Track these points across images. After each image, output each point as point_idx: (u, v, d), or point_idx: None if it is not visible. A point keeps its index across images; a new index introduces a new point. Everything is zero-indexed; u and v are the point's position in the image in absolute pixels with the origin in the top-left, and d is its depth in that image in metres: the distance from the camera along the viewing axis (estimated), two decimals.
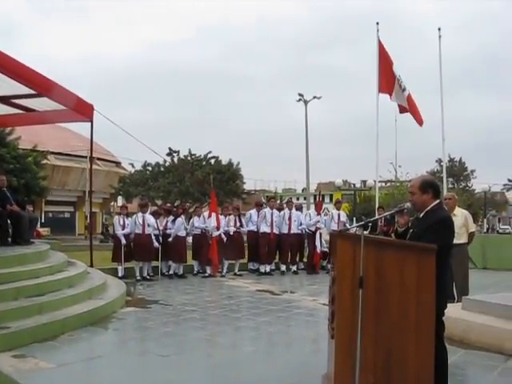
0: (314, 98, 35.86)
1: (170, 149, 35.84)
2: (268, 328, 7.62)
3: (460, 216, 8.59)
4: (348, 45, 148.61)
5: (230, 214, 14.53)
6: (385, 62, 16.14)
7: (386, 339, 3.79)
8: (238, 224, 14.43)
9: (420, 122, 16.25)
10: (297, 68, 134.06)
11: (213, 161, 36.45)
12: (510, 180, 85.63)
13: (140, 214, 13.14)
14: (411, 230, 4.33)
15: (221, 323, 7.88)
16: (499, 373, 5.38)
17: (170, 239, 13.39)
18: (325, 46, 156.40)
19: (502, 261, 16.36)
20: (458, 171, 70.70)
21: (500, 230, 62.45)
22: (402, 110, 16.25)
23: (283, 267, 14.92)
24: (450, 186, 52.90)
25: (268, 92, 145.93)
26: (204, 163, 36.23)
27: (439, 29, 17.79)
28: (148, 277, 12.96)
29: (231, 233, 14.17)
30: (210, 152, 36.54)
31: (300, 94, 35.52)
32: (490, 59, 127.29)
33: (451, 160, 65.89)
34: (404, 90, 15.92)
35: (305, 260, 15.46)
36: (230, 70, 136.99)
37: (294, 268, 15.05)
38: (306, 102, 35.56)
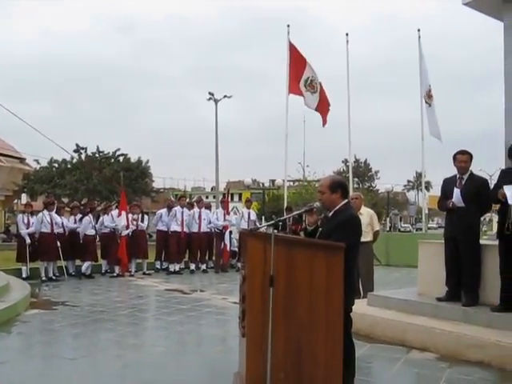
0: (225, 97, 35.92)
1: (77, 145, 34.78)
2: (178, 327, 7.56)
3: (366, 215, 8.88)
4: (260, 46, 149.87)
5: (133, 213, 14.27)
6: (295, 63, 16.42)
7: (296, 336, 3.86)
8: (140, 222, 14.23)
9: (324, 122, 16.76)
10: (208, 67, 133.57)
11: (121, 158, 35.70)
12: (409, 181, 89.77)
13: (47, 213, 12.68)
14: (320, 229, 4.43)
15: (130, 324, 7.74)
16: (402, 363, 5.65)
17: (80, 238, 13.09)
18: (237, 46, 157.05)
19: (403, 258, 17.06)
20: (363, 172, 73.38)
21: (401, 229, 65.17)
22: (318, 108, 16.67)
23: (193, 266, 14.90)
24: (356, 185, 54.70)
25: (179, 90, 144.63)
26: (112, 161, 35.43)
27: (347, 34, 18.37)
28: (54, 277, 12.53)
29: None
30: (118, 149, 35.78)
31: (210, 93, 35.48)
32: (391, 63, 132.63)
33: (357, 161, 68.27)
34: (316, 90, 16.31)
35: (214, 259, 15.50)
36: (141, 67, 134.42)
37: (204, 267, 15.03)
38: (216, 101, 35.57)
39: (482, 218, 7.85)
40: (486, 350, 5.54)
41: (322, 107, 16.58)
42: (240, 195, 60.71)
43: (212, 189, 63.73)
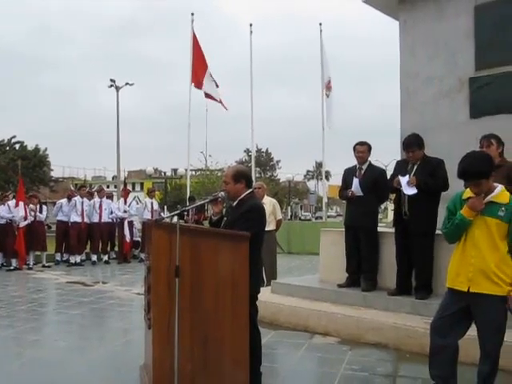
0: (127, 84, 35.14)
1: None
2: (81, 321, 7.36)
3: (269, 204, 8.99)
4: (164, 34, 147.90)
5: (31, 203, 13.68)
6: (198, 52, 16.34)
7: (202, 326, 3.86)
8: (39, 213, 13.68)
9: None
10: (111, 54, 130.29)
11: (17, 146, 34.06)
12: (309, 171, 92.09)
13: None
14: (225, 219, 4.44)
15: (30, 319, 7.40)
16: (306, 349, 5.80)
17: None
18: (140, 33, 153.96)
19: (304, 245, 17.54)
20: (264, 161, 74.33)
21: (302, 217, 66.74)
22: (208, 96, 16.65)
23: (94, 257, 14.54)
24: (258, 175, 55.39)
25: (78, 77, 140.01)
26: (8, 148, 33.72)
27: (251, 24, 18.49)
28: None
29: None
30: (14, 137, 34.12)
31: (112, 80, 34.57)
32: (294, 55, 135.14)
33: (259, 150, 69.02)
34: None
35: (116, 249, 15.19)
36: (38, 54, 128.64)
37: (106, 258, 14.72)
38: (117, 88, 34.70)
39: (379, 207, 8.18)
40: (383, 333, 5.80)
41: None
42: (142, 184, 59.78)
43: (113, 178, 62.33)
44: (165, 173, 59.53)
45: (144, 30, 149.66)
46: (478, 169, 3.78)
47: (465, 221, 3.87)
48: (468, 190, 3.95)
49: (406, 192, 6.14)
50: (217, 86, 16.53)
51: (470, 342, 4.02)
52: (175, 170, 49.14)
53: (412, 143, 6.24)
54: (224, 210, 4.58)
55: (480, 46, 7.24)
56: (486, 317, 3.82)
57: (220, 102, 16.72)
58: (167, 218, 4.24)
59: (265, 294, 6.64)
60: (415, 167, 6.27)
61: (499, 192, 3.89)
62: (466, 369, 4.16)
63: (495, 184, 3.93)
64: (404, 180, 6.15)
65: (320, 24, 19.28)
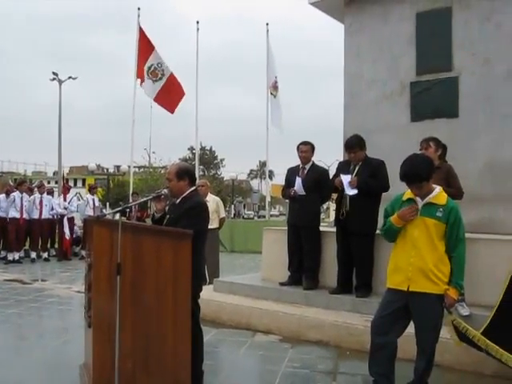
0: (70, 78, 34.29)
1: None
2: (18, 320, 7.14)
3: (212, 202, 8.98)
4: (113, 29, 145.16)
5: None
6: (144, 48, 16.07)
7: (144, 324, 3.81)
8: None
9: (172, 109, 16.54)
10: (54, 48, 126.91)
11: None
12: (253, 170, 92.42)
13: None
14: (168, 216, 4.40)
15: None
16: (248, 347, 5.83)
17: None
18: (86, 28, 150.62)
19: (247, 244, 17.58)
20: (208, 159, 74.08)
21: (245, 216, 66.87)
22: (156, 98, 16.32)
23: (33, 254, 14.11)
24: (201, 173, 55.19)
25: (20, 70, 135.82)
26: None
27: (198, 22, 18.39)
28: None
29: None
30: None
31: (54, 73, 33.66)
32: (240, 54, 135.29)
33: (203, 148, 68.72)
34: (161, 77, 16.02)
35: (56, 246, 14.84)
36: None
37: (45, 255, 14.33)
38: (60, 82, 33.83)
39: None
40: (324, 330, 5.88)
41: (166, 97, 16.26)
42: (84, 181, 58.60)
43: (54, 173, 60.84)
44: (107, 169, 58.56)
45: (93, 24, 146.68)
46: (419, 172, 3.89)
47: (393, 227, 4.00)
48: (408, 191, 4.05)
49: (347, 192, 6.24)
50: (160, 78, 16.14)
51: (407, 339, 4.10)
52: (118, 167, 48.42)
53: (354, 144, 6.35)
54: (167, 207, 4.54)
55: (421, 52, 7.46)
56: (424, 315, 3.92)
57: (163, 102, 16.33)
58: (109, 214, 4.17)
59: (207, 292, 6.61)
60: (357, 168, 6.38)
61: (437, 193, 4.01)
62: (404, 365, 4.24)
63: (434, 185, 4.06)
64: (346, 180, 6.25)
65: (267, 24, 19.36)
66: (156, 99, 16.05)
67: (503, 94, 6.80)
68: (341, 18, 8.54)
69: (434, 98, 7.25)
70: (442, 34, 7.28)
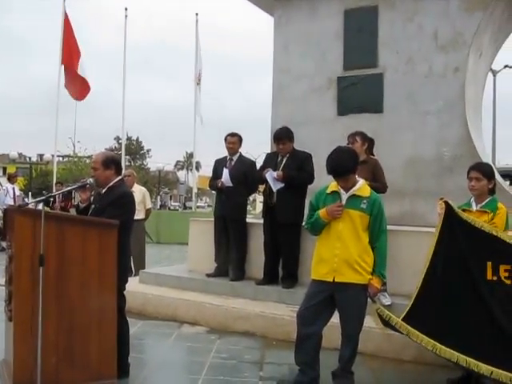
0: None
1: None
2: None
3: (138, 193, 8.84)
4: (31, 13, 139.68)
5: None
6: (69, 34, 15.59)
7: (68, 317, 3.72)
8: None
9: (80, 96, 16.16)
10: None
11: None
12: (179, 161, 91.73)
13: None
14: (93, 206, 4.31)
15: None
16: (175, 338, 5.79)
17: None
18: (11, 11, 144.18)
19: (173, 235, 17.42)
20: (135, 150, 72.92)
21: (171, 207, 66.29)
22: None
23: None
24: (128, 163, 54.22)
25: None
26: None
27: (126, 9, 18.04)
28: None
29: None
30: None
31: None
32: (169, 44, 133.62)
33: (129, 138, 67.53)
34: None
35: None
36: None
37: None
38: None
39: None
40: (251, 321, 5.92)
41: (75, 83, 15.83)
42: (4, 169, 56.25)
43: None
44: (30, 158, 56.43)
45: (14, 8, 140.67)
46: (345, 165, 3.97)
47: (319, 221, 4.08)
48: (333, 184, 4.14)
49: (273, 187, 6.31)
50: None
51: (332, 328, 4.21)
52: (41, 156, 46.78)
53: (283, 135, 6.42)
54: (92, 197, 4.44)
55: (348, 48, 7.62)
56: (349, 304, 4.03)
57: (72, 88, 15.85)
58: (31, 203, 4.03)
59: (133, 284, 6.51)
60: (284, 160, 6.45)
61: (361, 186, 4.12)
62: (329, 354, 4.34)
63: (357, 178, 4.16)
64: (271, 176, 6.31)
65: (196, 14, 19.23)
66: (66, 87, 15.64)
67: (425, 91, 7.07)
68: (270, 11, 8.58)
69: (360, 93, 7.43)
70: (369, 32, 7.47)
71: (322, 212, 4.07)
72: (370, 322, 4.40)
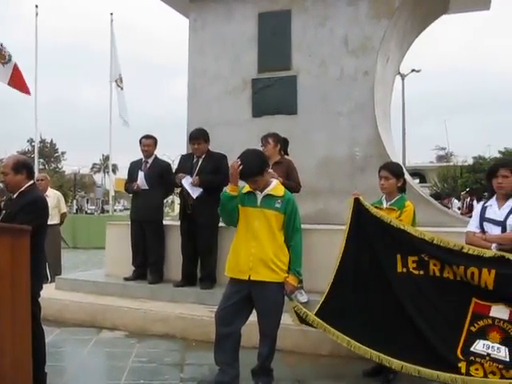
0: None
1: None
2: None
3: (52, 197, 8.63)
4: None
5: None
6: None
7: None
8: None
9: (27, 91, 15.48)
10: None
11: None
12: (96, 164, 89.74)
13: None
14: (4, 212, 4.18)
15: None
16: (93, 344, 5.68)
17: None
18: None
19: (90, 240, 17.06)
20: (48, 152, 70.68)
21: (88, 211, 64.65)
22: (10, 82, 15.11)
23: None
24: (41, 166, 52.49)
25: None
26: None
27: (37, 6, 17.53)
28: None
29: None
30: None
31: None
32: (84, 43, 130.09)
33: (42, 141, 65.38)
34: (9, 59, 14.83)
35: None
36: None
37: None
38: None
39: (165, 200, 8.30)
40: (170, 323, 5.92)
41: (20, 79, 15.14)
42: None
43: None
44: None
45: None
46: (251, 168, 4.05)
47: (227, 196, 4.10)
48: (247, 185, 4.22)
49: (192, 194, 6.34)
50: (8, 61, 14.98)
51: (250, 327, 4.28)
52: None
53: (199, 135, 6.47)
54: (3, 202, 4.30)
55: (262, 51, 7.74)
56: (266, 302, 4.11)
57: (19, 85, 15.17)
58: None
59: (49, 291, 6.37)
60: (200, 161, 6.50)
61: (275, 186, 4.22)
62: (248, 352, 4.40)
63: (271, 179, 4.27)
64: (187, 182, 6.33)
65: (111, 14, 18.90)
66: (10, 83, 14.85)
67: (336, 93, 7.30)
68: (186, 13, 8.57)
69: (274, 95, 7.57)
70: (282, 35, 7.62)
71: (228, 187, 4.13)
72: (287, 320, 4.49)
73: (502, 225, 4.33)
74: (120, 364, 5.01)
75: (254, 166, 4.07)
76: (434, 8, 8.08)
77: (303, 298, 5.65)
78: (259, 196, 4.15)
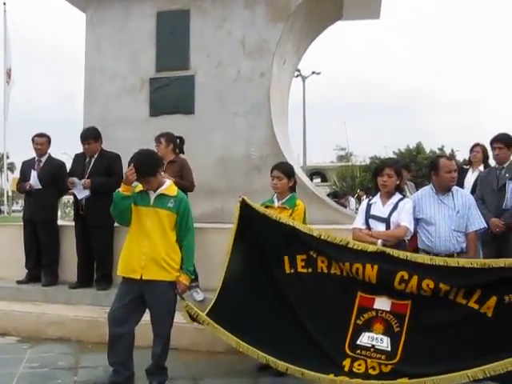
0: None
1: None
2: None
3: None
4: None
5: None
6: None
7: None
8: None
9: None
10: None
11: None
12: None
13: None
14: None
15: None
16: None
17: None
18: None
19: None
20: None
21: None
22: None
23: None
24: None
25: None
26: None
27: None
28: None
29: None
30: None
31: None
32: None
33: None
34: None
35: None
36: None
37: None
38: None
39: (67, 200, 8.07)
40: (65, 326, 5.78)
41: None
42: None
43: None
44: None
45: None
46: (142, 168, 4.07)
47: (119, 196, 4.12)
48: (140, 184, 4.22)
49: (78, 196, 6.28)
50: None
51: (144, 326, 4.28)
52: None
53: (88, 136, 6.39)
54: None
55: (160, 50, 7.73)
56: (158, 302, 4.14)
57: None
58: None
59: None
60: (93, 160, 6.43)
61: (168, 186, 4.26)
62: (141, 352, 4.36)
63: (165, 178, 4.31)
64: (78, 184, 6.25)
65: (4, 3, 18.07)
66: None
67: (233, 94, 7.41)
68: (83, 9, 8.37)
69: (172, 94, 7.57)
70: (181, 35, 7.64)
71: (121, 187, 4.12)
72: (182, 318, 4.53)
73: (386, 221, 4.63)
74: (10, 371, 4.81)
75: (147, 166, 4.09)
76: (329, 14, 8.36)
77: (199, 296, 5.71)
78: (152, 195, 4.17)
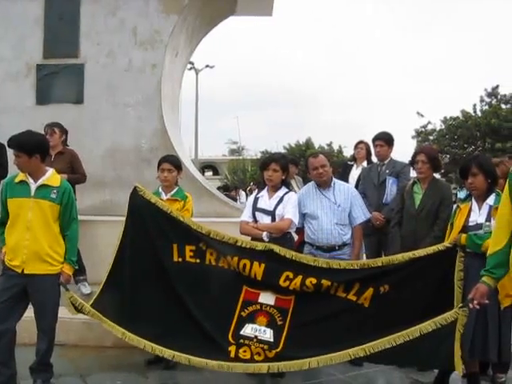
0: None
1: None
2: None
3: None
4: None
5: None
6: None
7: None
8: None
9: None
10: None
11: None
12: None
13: None
14: None
15: None
16: None
17: None
18: None
19: None
20: None
21: None
22: None
23: None
24: None
25: None
26: None
27: None
28: None
29: None
30: None
31: None
32: None
33: None
34: None
35: None
36: None
37: None
38: None
39: None
40: None
41: None
42: None
43: None
44: None
45: None
46: (19, 139, 4.01)
47: None
48: (21, 173, 4.06)
49: None
50: None
51: (27, 323, 4.13)
52: None
53: None
54: None
55: (49, 36, 7.40)
56: (42, 296, 4.01)
57: None
58: None
59: None
60: None
61: (50, 175, 4.11)
62: (25, 350, 4.24)
63: (47, 168, 4.15)
64: None
65: None
66: None
67: (124, 84, 7.26)
68: None
69: (60, 82, 7.30)
70: (71, 21, 7.35)
71: None
72: (70, 313, 4.41)
73: (272, 214, 4.78)
74: None
75: (24, 140, 3.97)
76: (222, 9, 8.40)
77: (86, 289, 5.61)
78: (33, 186, 4.01)
